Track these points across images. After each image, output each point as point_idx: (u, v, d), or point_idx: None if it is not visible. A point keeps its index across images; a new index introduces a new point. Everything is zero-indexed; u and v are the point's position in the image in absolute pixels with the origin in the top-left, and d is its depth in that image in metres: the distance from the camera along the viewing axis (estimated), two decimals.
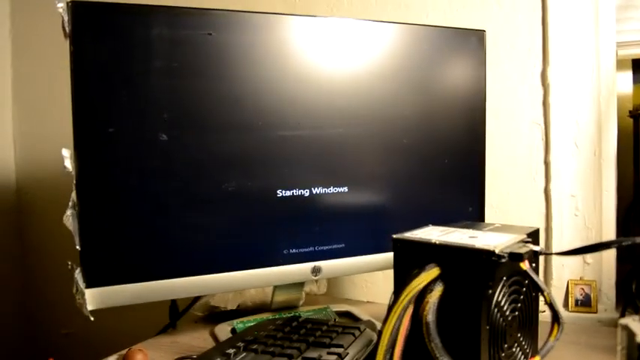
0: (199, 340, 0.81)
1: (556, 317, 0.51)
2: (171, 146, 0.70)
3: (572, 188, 0.97)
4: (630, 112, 1.08)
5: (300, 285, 0.87)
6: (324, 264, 0.81)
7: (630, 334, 0.41)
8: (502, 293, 0.53)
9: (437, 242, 0.54)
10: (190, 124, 0.71)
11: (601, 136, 0.95)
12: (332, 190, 0.80)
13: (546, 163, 0.98)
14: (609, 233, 0.96)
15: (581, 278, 0.96)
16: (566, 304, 0.96)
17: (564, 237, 0.97)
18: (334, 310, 0.91)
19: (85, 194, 0.66)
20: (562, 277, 0.97)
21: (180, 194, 0.71)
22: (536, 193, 0.99)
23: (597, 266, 0.96)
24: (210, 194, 0.73)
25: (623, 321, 0.42)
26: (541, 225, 0.99)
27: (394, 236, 0.57)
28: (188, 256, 0.72)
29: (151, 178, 0.70)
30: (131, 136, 0.68)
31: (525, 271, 0.54)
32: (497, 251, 0.51)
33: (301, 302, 0.91)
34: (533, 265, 0.58)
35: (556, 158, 0.97)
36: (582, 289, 0.95)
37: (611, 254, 0.95)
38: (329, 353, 0.59)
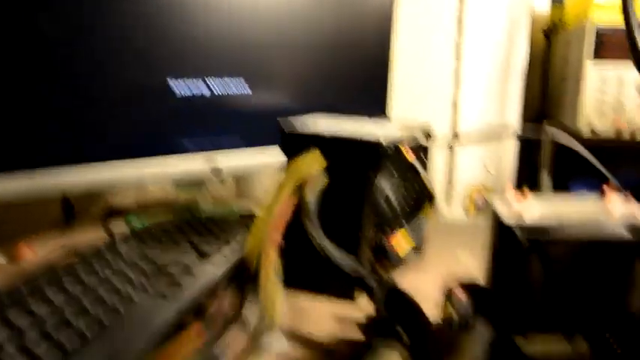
0: (96, 239, 0.79)
1: (429, 196, 0.53)
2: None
3: (480, 98, 0.99)
4: (544, 30, 1.09)
5: (201, 184, 0.85)
6: (220, 157, 0.78)
7: (495, 215, 0.43)
8: (389, 182, 0.53)
9: (325, 135, 0.53)
10: None
11: (511, 51, 0.97)
12: (227, 80, 0.76)
13: (456, 72, 0.99)
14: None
15: (482, 186, 1.00)
16: (467, 210, 1.00)
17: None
18: (239, 212, 0.90)
19: None
20: (464, 183, 1.01)
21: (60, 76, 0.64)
22: (445, 102, 1.01)
23: (499, 176, 1.00)
24: (93, 76, 0.66)
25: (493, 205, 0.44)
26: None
27: (279, 120, 0.55)
28: (75, 142, 0.66)
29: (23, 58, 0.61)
30: None
31: (412, 163, 0.55)
32: (382, 141, 0.51)
33: (206, 204, 0.90)
34: (423, 157, 0.58)
35: (467, 69, 0.99)
36: (483, 196, 1.00)
37: (510, 164, 0.99)
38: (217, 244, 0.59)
